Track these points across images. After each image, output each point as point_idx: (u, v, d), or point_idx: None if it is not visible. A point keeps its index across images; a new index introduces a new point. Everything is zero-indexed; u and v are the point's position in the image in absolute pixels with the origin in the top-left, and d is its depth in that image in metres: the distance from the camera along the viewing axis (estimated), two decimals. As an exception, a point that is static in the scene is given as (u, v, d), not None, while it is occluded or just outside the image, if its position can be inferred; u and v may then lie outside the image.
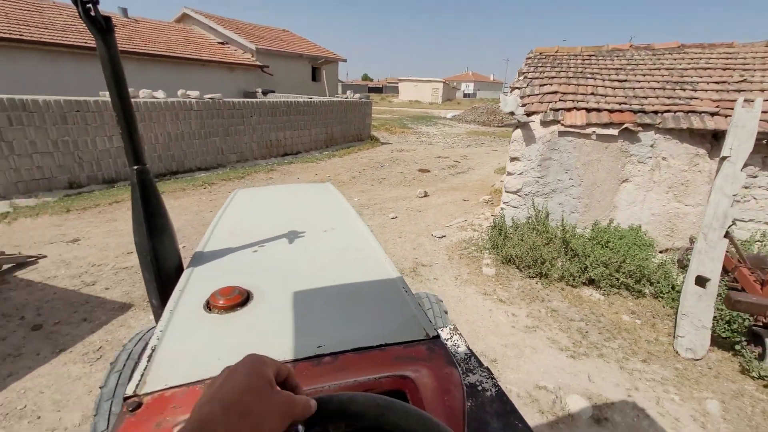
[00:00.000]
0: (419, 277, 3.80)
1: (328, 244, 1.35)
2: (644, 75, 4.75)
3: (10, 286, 3.42)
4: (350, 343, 0.83)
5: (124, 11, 12.70)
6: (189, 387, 0.73)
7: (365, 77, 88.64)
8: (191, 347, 0.85)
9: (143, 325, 3.01)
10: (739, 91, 3.92)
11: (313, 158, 10.26)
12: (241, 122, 8.78)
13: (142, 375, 0.77)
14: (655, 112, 3.74)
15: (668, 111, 3.71)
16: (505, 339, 2.86)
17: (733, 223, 3.69)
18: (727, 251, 2.66)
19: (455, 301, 3.36)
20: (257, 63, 14.35)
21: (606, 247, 3.54)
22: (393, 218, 5.67)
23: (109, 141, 6.44)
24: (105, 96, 6.46)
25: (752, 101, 2.60)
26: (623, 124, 3.68)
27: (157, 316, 1.26)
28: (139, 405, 0.69)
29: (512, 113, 4.13)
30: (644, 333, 2.90)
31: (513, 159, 4.18)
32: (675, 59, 5.25)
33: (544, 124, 3.93)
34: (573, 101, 4.09)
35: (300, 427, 0.45)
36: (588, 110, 3.94)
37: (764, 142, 3.35)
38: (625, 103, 3.93)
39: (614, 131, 3.71)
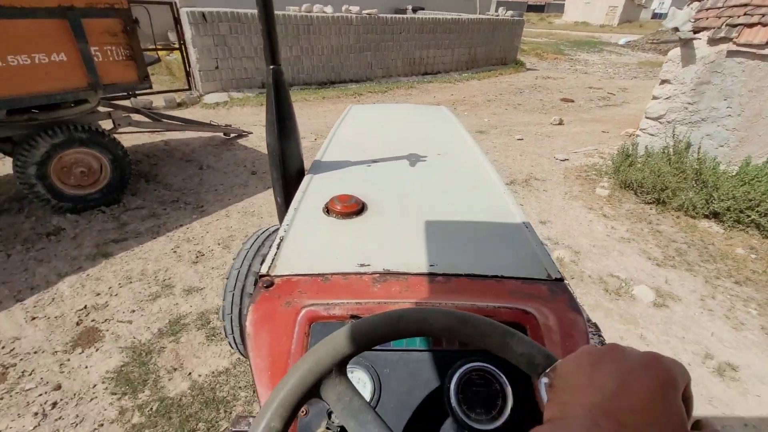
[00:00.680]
0: (529, 188, 4.18)
1: (443, 167, 1.33)
2: None
3: (235, 148, 5.06)
4: (464, 267, 0.82)
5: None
6: (311, 278, 0.79)
7: (526, -7, 77.07)
8: (312, 243, 0.91)
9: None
10: None
11: (451, 79, 10.46)
12: (391, 38, 9.42)
13: (273, 259, 0.84)
14: None
15: None
16: (596, 242, 3.19)
17: None
18: None
19: (558, 210, 3.71)
20: (411, -22, 14.28)
21: (748, 184, 3.29)
22: (519, 139, 5.85)
23: (290, 50, 7.91)
24: (289, 11, 7.79)
25: None
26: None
27: (280, 214, 1.35)
28: (271, 283, 0.77)
29: (676, 29, 3.77)
30: (754, 265, 2.86)
31: (663, 82, 3.90)
32: None
33: (712, 42, 3.52)
34: (761, 14, 3.48)
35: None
36: (780, 26, 3.34)
37: None
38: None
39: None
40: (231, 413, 1.86)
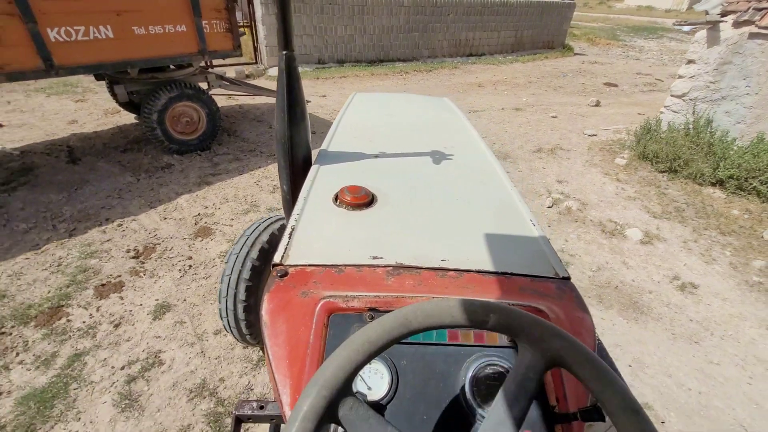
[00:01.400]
0: (554, 155, 4.67)
1: (450, 160, 1.33)
2: None
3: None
4: (474, 263, 0.83)
5: None
6: (325, 268, 0.79)
7: (587, -26, 72.40)
8: (323, 234, 0.91)
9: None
10: None
11: (495, 61, 10.74)
12: (438, 20, 9.86)
13: (285, 248, 0.85)
14: None
15: None
16: (604, 198, 3.69)
17: None
18: None
19: (576, 174, 4.20)
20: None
21: (754, 155, 3.63)
22: (552, 117, 6.25)
23: (344, 29, 8.61)
24: (345, -8, 8.46)
25: None
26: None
27: (285, 202, 1.34)
28: (286, 273, 0.78)
29: (706, 12, 4.06)
30: (744, 222, 3.26)
31: (689, 62, 4.22)
32: None
33: (737, 24, 3.81)
34: (788, -1, 3.71)
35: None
36: (806, 10, 3.58)
37: None
38: None
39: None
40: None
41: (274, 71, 7.93)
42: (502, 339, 0.69)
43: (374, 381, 0.63)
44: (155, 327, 2.26)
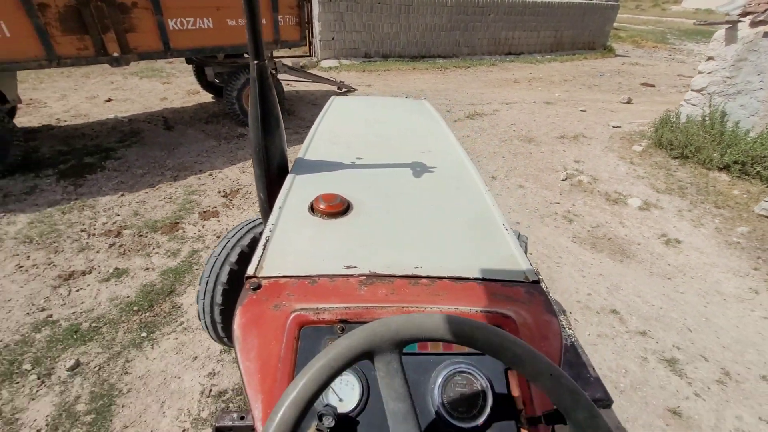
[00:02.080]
0: (576, 141, 5.14)
1: (426, 166, 1.35)
2: None
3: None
4: (447, 270, 0.84)
5: None
6: (299, 279, 0.80)
7: (644, -25, 69.16)
8: (298, 244, 0.91)
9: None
10: None
11: (533, 59, 11.09)
12: (479, 19, 10.37)
13: (259, 260, 0.85)
14: None
15: None
16: (614, 176, 4.16)
17: None
18: None
19: (593, 156, 4.67)
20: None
21: (763, 145, 3.97)
22: (581, 110, 6.65)
23: (390, 27, 9.34)
24: (393, -7, 9.18)
25: None
26: None
27: (263, 210, 1.33)
28: (259, 286, 0.78)
29: (727, 13, 4.42)
30: (741, 200, 3.65)
31: (709, 58, 4.57)
32: None
33: (753, 24, 4.14)
34: (805, 1, 4.01)
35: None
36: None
37: None
38: None
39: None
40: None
41: (326, 63, 8.80)
42: None
43: (345, 392, 0.65)
44: (245, 239, 3.07)
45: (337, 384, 0.65)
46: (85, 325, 2.24)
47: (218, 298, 1.46)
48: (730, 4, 4.51)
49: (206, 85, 6.06)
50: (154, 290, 2.50)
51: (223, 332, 1.59)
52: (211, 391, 1.92)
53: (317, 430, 0.58)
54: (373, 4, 8.85)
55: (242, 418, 0.83)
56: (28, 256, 2.74)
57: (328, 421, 0.57)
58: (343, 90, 6.95)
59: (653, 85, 9.03)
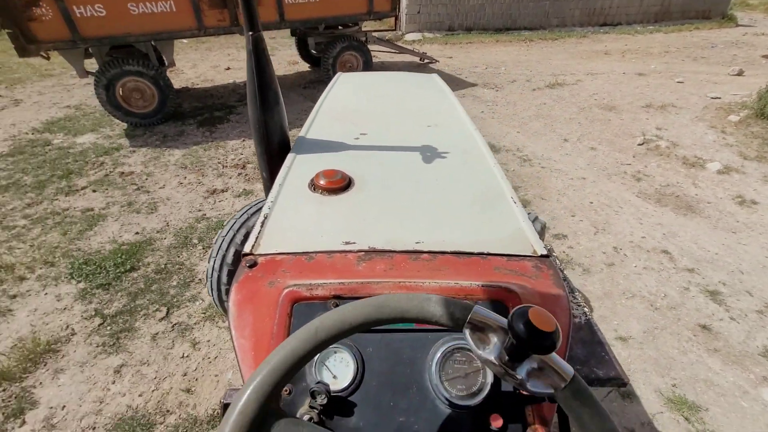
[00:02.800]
0: (662, 110, 4.97)
1: (433, 140, 1.32)
2: None
3: (427, 69, 7.06)
4: (449, 245, 0.83)
5: None
6: (296, 256, 0.79)
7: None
8: (297, 221, 0.91)
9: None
10: None
11: (631, 30, 10.26)
12: (573, -12, 9.86)
13: (256, 238, 0.85)
14: None
15: None
16: (698, 143, 4.05)
17: None
18: None
19: (678, 125, 4.52)
20: None
21: None
22: (678, 82, 6.22)
23: (475, -1, 9.38)
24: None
25: None
26: None
27: (267, 189, 1.32)
28: (255, 263, 0.78)
29: None
30: None
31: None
32: None
33: None
34: None
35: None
36: None
37: None
38: None
39: None
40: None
41: (409, 36, 9.21)
42: None
43: (339, 370, 0.64)
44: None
45: (330, 361, 0.65)
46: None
47: (224, 278, 1.47)
48: None
49: (305, 55, 6.89)
50: (273, 204, 3.28)
51: None
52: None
53: (310, 407, 0.57)
54: (460, -23, 8.96)
55: None
56: (185, 177, 3.70)
57: (321, 399, 0.57)
58: (425, 61, 7.33)
59: (777, 57, 7.91)
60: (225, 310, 1.63)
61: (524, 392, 0.56)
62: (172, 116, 4.93)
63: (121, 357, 2.00)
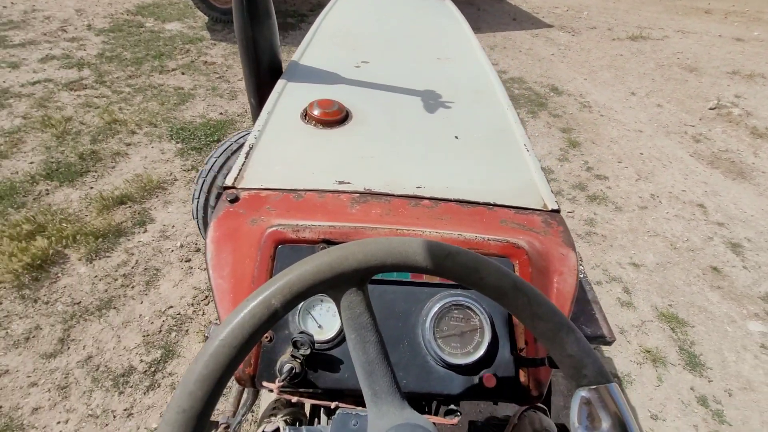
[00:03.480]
0: (749, 79, 4.63)
1: (442, 74, 1.23)
2: None
3: (510, 1, 6.71)
4: (453, 192, 0.77)
5: None
6: (283, 193, 0.73)
7: None
8: (286, 154, 0.84)
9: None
10: None
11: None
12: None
13: (240, 170, 0.78)
14: None
15: None
16: None
17: None
18: None
19: (762, 98, 4.24)
20: None
21: None
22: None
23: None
24: None
25: None
26: None
27: (254, 117, 1.17)
28: (237, 198, 0.72)
29: None
30: None
31: None
32: None
33: None
34: None
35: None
36: None
37: None
38: None
39: None
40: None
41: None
42: None
43: (326, 320, 0.60)
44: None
45: (316, 310, 0.61)
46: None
47: (208, 218, 1.33)
48: None
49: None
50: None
51: None
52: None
53: (291, 356, 0.55)
54: None
55: None
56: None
57: (304, 349, 0.55)
58: (503, -6, 6.93)
59: None
60: None
61: (521, 353, 0.59)
62: (249, 16, 5.15)
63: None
